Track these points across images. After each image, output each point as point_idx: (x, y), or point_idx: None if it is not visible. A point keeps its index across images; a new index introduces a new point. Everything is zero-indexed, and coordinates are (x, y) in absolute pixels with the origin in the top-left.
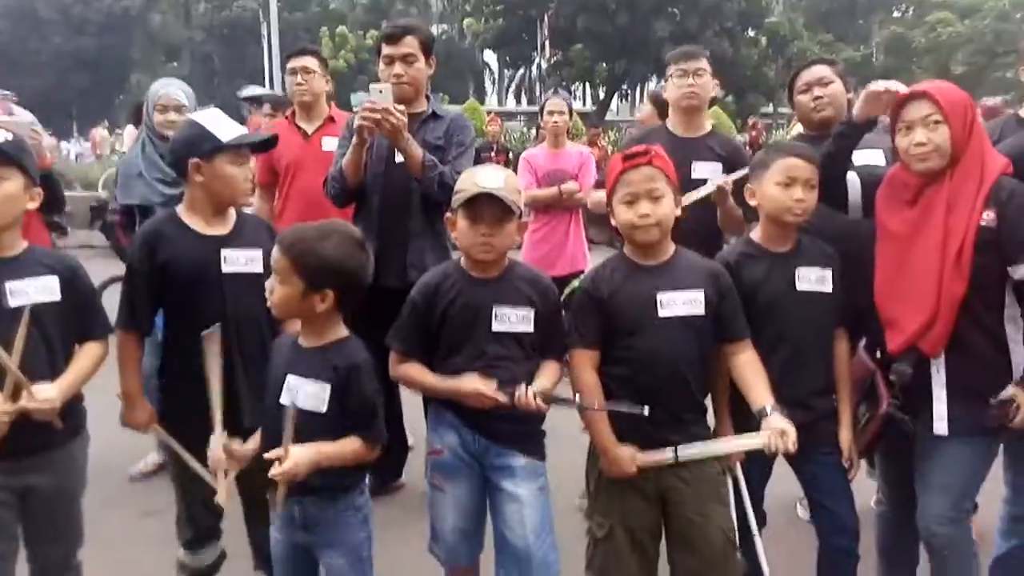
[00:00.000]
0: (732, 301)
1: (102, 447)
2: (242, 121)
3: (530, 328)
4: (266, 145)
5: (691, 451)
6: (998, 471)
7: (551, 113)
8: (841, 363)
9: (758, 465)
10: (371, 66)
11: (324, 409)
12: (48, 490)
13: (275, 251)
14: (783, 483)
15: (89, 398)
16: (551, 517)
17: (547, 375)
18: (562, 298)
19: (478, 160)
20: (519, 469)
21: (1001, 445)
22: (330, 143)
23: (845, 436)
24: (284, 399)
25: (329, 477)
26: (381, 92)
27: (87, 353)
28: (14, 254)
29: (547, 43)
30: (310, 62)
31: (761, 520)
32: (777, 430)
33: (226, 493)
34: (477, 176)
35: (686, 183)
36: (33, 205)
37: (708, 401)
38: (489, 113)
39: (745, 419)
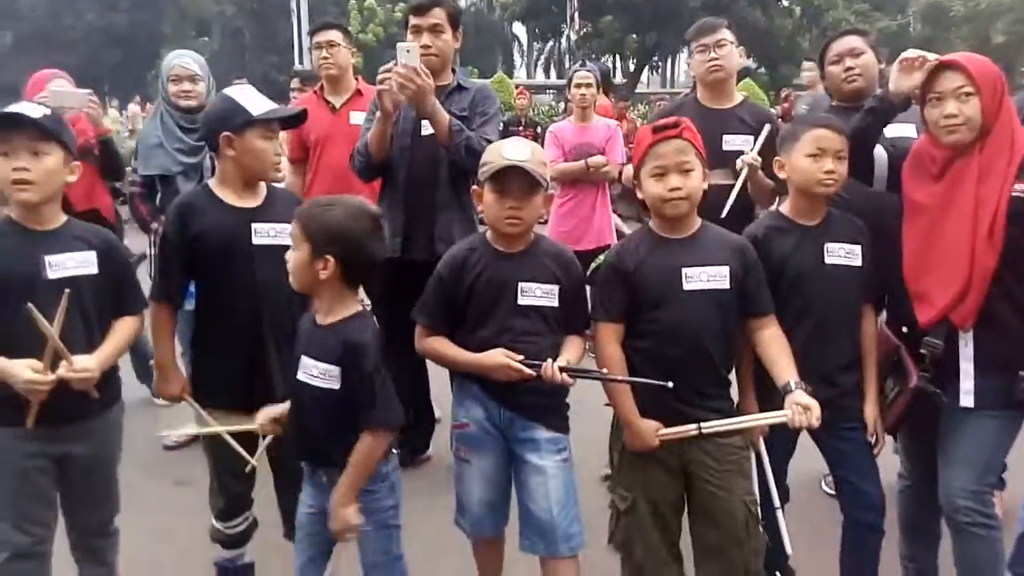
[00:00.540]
0: (757, 276)
1: (136, 417)
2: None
3: (555, 303)
4: (296, 120)
5: (714, 425)
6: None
7: (578, 85)
8: (868, 338)
9: (781, 440)
10: (400, 39)
11: (338, 386)
12: (86, 458)
13: (293, 221)
14: (807, 459)
15: (124, 368)
16: (575, 490)
17: (571, 349)
18: (588, 272)
19: (507, 134)
20: (543, 442)
21: None
22: (358, 117)
23: (871, 411)
24: (301, 377)
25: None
26: (408, 52)
27: (123, 326)
28: (54, 227)
29: (576, 15)
30: (334, 35)
31: (784, 496)
32: (801, 405)
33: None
34: (504, 149)
35: (716, 156)
36: (72, 179)
37: (732, 376)
38: (518, 87)
39: (769, 394)
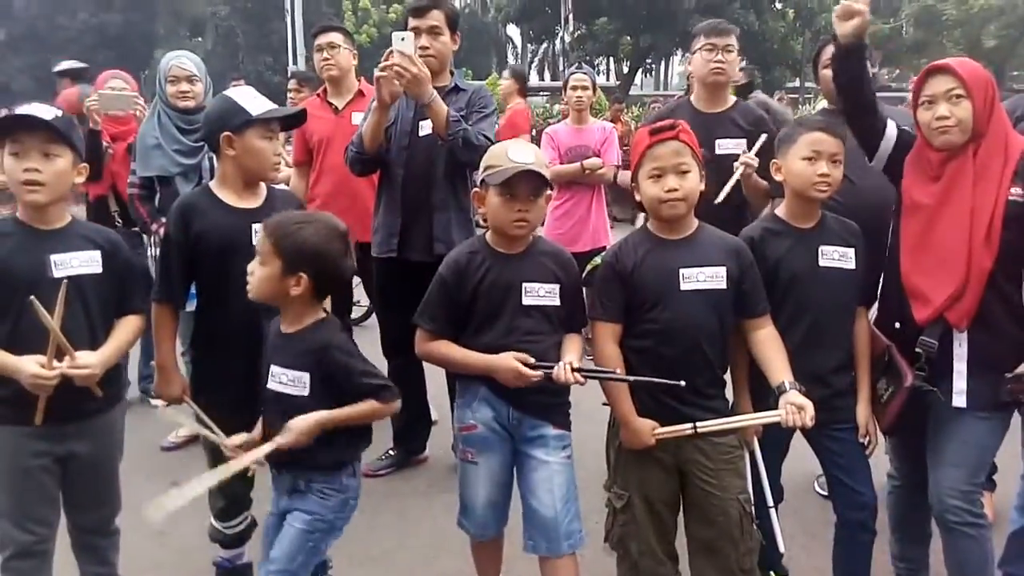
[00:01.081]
0: (753, 277)
1: (134, 417)
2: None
3: (557, 301)
4: (294, 120)
5: (709, 424)
6: (1015, 449)
7: (574, 88)
8: (861, 340)
9: (776, 441)
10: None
11: (307, 392)
12: (89, 457)
13: (260, 233)
14: (801, 460)
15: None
16: (576, 487)
17: (572, 347)
18: (584, 274)
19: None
20: (550, 438)
21: (1020, 421)
22: (360, 118)
23: (863, 412)
24: (271, 386)
25: (320, 454)
26: (403, 40)
27: (126, 325)
28: (59, 226)
29: (571, 16)
30: (336, 38)
31: (778, 495)
32: (794, 405)
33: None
34: (509, 151)
35: (709, 159)
36: (80, 180)
37: (727, 376)
38: None
39: (764, 394)
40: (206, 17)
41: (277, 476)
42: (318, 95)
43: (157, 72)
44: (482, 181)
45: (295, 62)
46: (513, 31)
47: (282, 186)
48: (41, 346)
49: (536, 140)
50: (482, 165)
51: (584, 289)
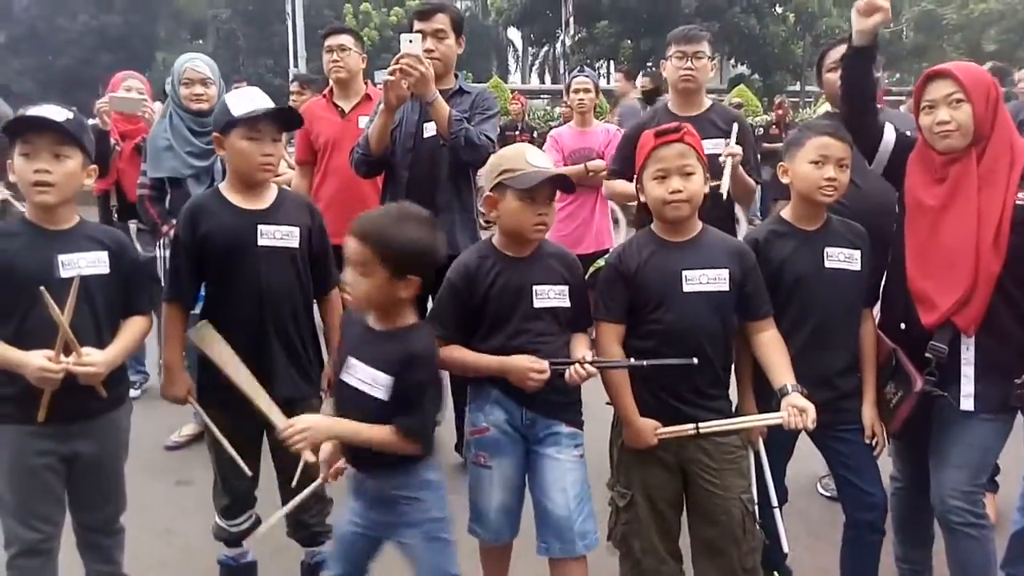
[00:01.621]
0: (756, 280)
1: (138, 415)
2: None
3: (567, 303)
4: (290, 122)
5: (711, 425)
6: (1018, 450)
7: (576, 91)
8: (866, 342)
9: (781, 442)
10: (395, 44)
11: (385, 397)
12: (93, 456)
13: (352, 243)
14: (804, 461)
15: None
16: (588, 487)
17: (580, 347)
18: (587, 276)
19: (503, 139)
20: (563, 436)
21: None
22: (366, 121)
23: (868, 414)
24: (345, 378)
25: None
26: (411, 41)
27: (132, 326)
28: (67, 227)
29: (571, 20)
30: (346, 40)
31: (783, 496)
32: (796, 408)
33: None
34: (528, 156)
35: None
36: (89, 182)
37: (731, 379)
38: (513, 92)
39: (768, 396)
40: (207, 20)
41: (360, 482)
42: (324, 96)
43: (171, 74)
44: (497, 185)
45: (296, 65)
46: (514, 34)
47: (284, 187)
48: (47, 345)
49: (539, 143)
50: (496, 169)
51: (589, 290)
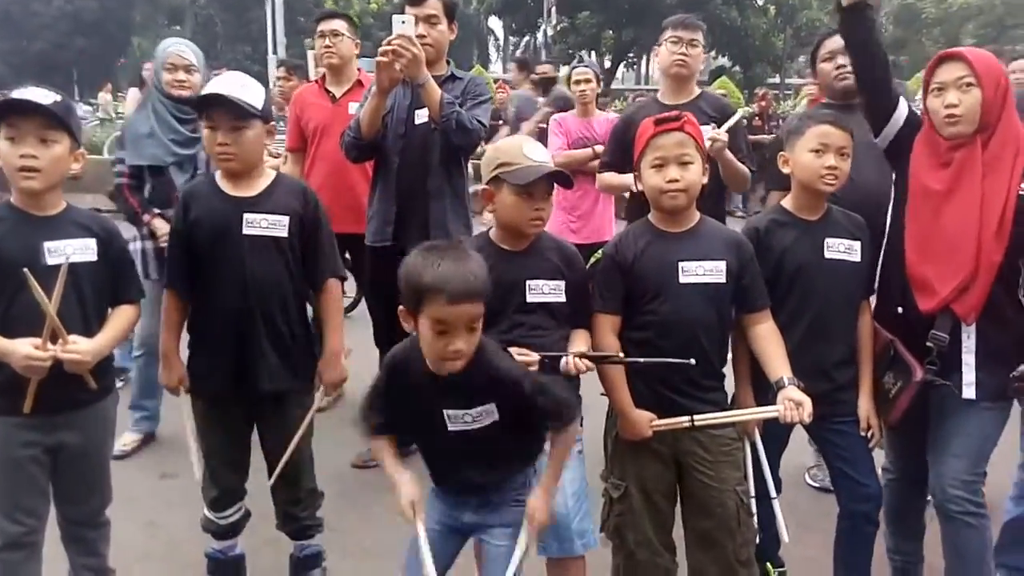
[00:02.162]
0: (753, 272)
1: (123, 407)
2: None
3: (562, 298)
4: (199, 106)
5: (706, 418)
6: (1009, 438)
7: (577, 82)
8: (864, 333)
9: (776, 434)
10: (376, 31)
11: (497, 417)
12: (79, 448)
13: (471, 307)
14: (792, 452)
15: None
16: (586, 484)
17: (579, 342)
18: (588, 266)
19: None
20: None
21: (1020, 412)
22: (357, 107)
23: (865, 406)
24: (454, 428)
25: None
26: (404, 23)
27: (120, 314)
28: (53, 213)
29: (553, 9)
30: (338, 25)
31: (777, 487)
32: (793, 401)
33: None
34: (524, 149)
35: None
36: (77, 167)
37: (727, 369)
38: (497, 80)
39: (765, 388)
40: (185, 5)
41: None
42: (316, 82)
43: (154, 60)
44: (494, 178)
45: (275, 51)
46: (495, 24)
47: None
48: (32, 333)
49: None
50: (492, 162)
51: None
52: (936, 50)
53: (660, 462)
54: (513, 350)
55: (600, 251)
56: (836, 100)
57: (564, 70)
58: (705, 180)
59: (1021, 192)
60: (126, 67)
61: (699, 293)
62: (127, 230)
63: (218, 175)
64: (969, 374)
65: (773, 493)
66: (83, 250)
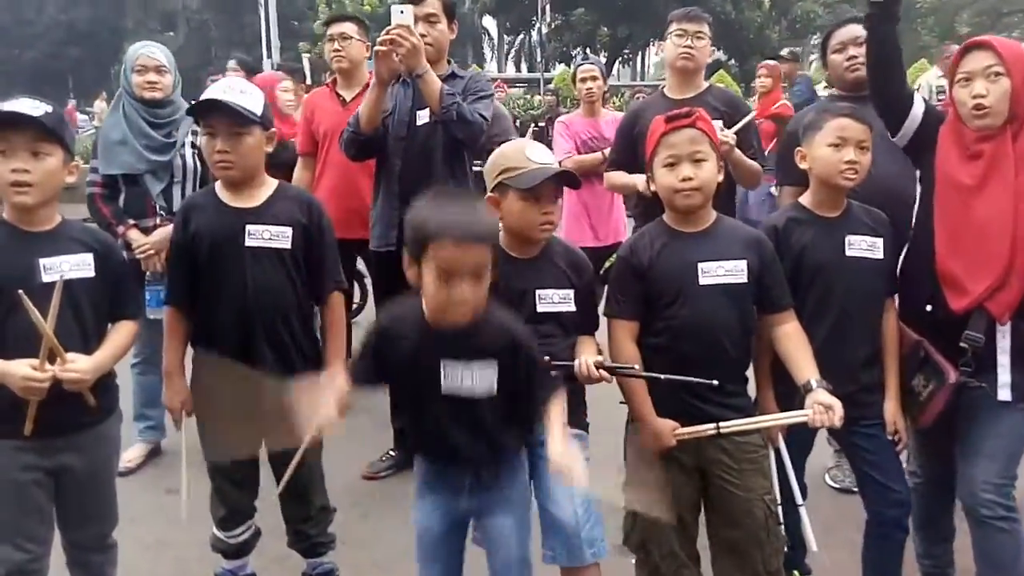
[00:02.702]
0: (775, 270)
1: (126, 423)
2: None
3: (571, 307)
4: (197, 112)
5: (733, 424)
6: None
7: (583, 80)
8: (889, 333)
9: (799, 437)
10: (373, 31)
11: (494, 390)
12: (83, 470)
13: (475, 251)
14: (811, 454)
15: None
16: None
17: (588, 349)
18: (603, 271)
19: None
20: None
21: None
22: None
23: (891, 408)
24: (449, 389)
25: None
26: (403, 12)
27: (120, 331)
28: (49, 228)
29: (548, 7)
30: (348, 28)
31: (803, 493)
32: (823, 405)
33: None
34: (528, 152)
35: None
36: (71, 179)
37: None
38: (494, 80)
39: (788, 390)
40: (177, 10)
41: (451, 475)
42: (327, 85)
43: (123, 62)
44: (498, 184)
45: (270, 55)
46: (488, 23)
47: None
48: (30, 353)
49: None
50: (496, 168)
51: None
52: (931, 40)
53: (684, 472)
54: None
55: (614, 257)
56: (847, 91)
57: (559, 69)
58: (721, 177)
59: None
60: (119, 74)
61: (720, 295)
62: None
63: (218, 185)
64: (1004, 375)
65: (800, 500)
66: (80, 266)
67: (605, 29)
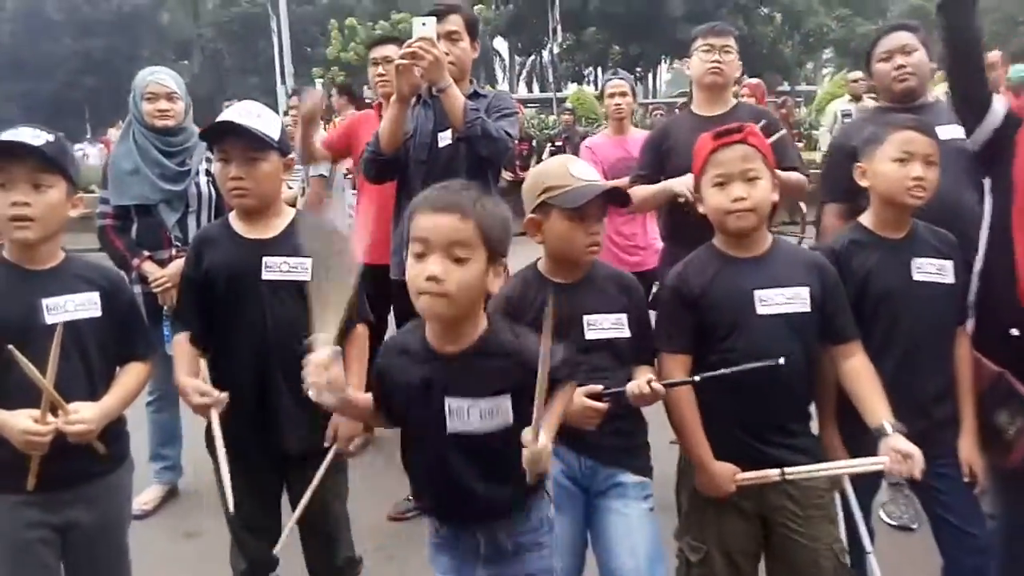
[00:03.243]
0: (839, 298)
1: (140, 463)
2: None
3: (625, 333)
4: (210, 136)
5: (800, 471)
6: None
7: (612, 95)
8: (963, 364)
9: (867, 481)
10: None
11: (511, 420)
12: (91, 525)
13: (446, 219)
14: None
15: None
16: (661, 545)
17: (645, 376)
18: (650, 297)
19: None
20: (629, 487)
21: None
22: None
23: (967, 446)
24: (454, 427)
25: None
26: (424, 24)
27: (129, 373)
28: (52, 266)
29: (559, 27)
30: (392, 51)
31: (871, 537)
32: (901, 453)
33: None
34: (571, 169)
35: None
36: (75, 213)
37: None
38: None
39: (853, 427)
40: (192, 39)
41: (461, 539)
42: (375, 106)
43: (132, 90)
44: (540, 204)
45: (284, 82)
46: (499, 44)
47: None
48: (33, 402)
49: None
50: (538, 187)
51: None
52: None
53: (744, 520)
54: (576, 392)
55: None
56: (894, 103)
57: (572, 88)
58: (776, 197)
59: None
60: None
61: (781, 325)
62: None
63: (232, 216)
64: None
65: (869, 547)
66: (86, 305)
67: (617, 48)
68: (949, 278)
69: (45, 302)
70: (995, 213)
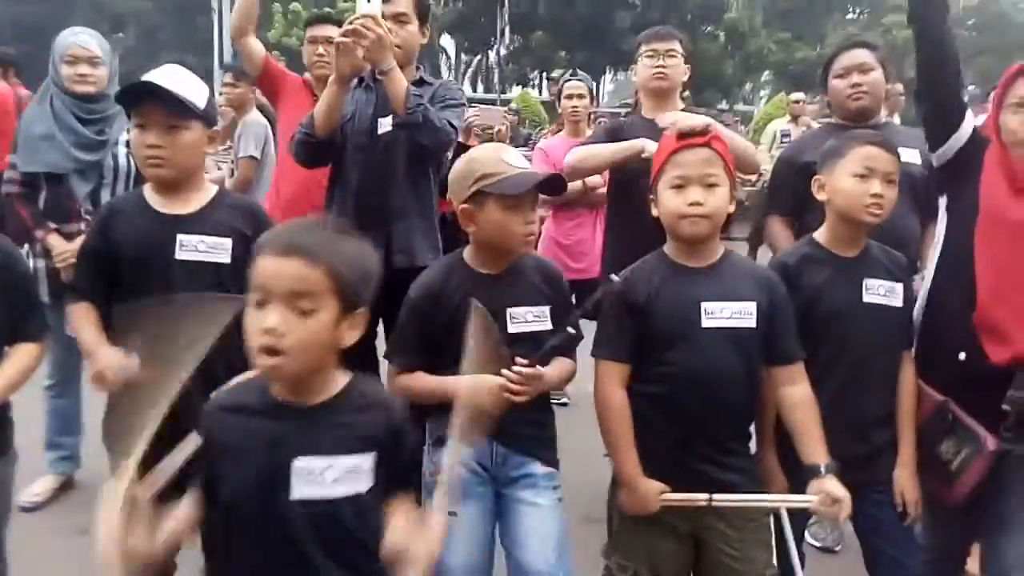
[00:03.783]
0: (786, 316)
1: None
2: None
3: (548, 325)
4: (127, 98)
5: (728, 500)
6: None
7: (569, 96)
8: (907, 390)
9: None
10: None
11: (367, 488)
12: None
13: (290, 265)
14: None
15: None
16: (566, 536)
17: (558, 369)
18: (592, 304)
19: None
20: (539, 477)
21: None
22: None
23: (905, 476)
24: (299, 493)
25: None
26: (369, 2)
27: (18, 355)
28: None
29: (507, 29)
30: (333, 31)
31: (801, 562)
32: (831, 497)
33: None
34: (504, 156)
35: None
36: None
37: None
38: None
39: (793, 450)
40: (128, 11)
41: None
42: (304, 81)
43: (52, 51)
44: (476, 193)
45: (221, 61)
46: (447, 42)
47: (224, 188)
48: None
49: None
50: (471, 175)
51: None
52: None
53: (677, 540)
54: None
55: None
56: (847, 120)
57: (517, 91)
58: (732, 208)
59: None
60: None
61: (725, 340)
62: None
63: (147, 188)
64: None
65: (799, 573)
66: None
67: (563, 54)
68: (898, 301)
69: None
70: (950, 234)
